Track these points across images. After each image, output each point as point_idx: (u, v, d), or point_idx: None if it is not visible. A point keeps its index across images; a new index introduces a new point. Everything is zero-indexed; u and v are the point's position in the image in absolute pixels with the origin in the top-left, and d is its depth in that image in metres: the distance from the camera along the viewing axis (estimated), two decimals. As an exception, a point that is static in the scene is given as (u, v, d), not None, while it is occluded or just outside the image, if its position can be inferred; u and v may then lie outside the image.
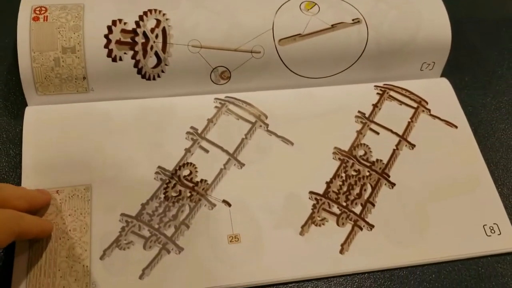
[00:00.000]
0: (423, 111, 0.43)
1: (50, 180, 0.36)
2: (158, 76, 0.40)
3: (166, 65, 0.40)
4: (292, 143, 0.40)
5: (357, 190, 0.39)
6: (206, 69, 0.40)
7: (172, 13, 0.40)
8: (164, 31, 0.39)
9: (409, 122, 0.42)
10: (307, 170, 0.39)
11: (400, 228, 0.37)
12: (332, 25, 0.42)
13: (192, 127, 0.40)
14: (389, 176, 0.39)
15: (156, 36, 0.39)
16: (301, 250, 0.35)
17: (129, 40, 0.39)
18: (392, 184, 0.39)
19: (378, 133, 0.42)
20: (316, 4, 0.42)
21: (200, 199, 0.37)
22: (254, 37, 0.40)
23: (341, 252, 0.36)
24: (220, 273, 0.34)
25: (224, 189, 0.37)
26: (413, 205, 0.38)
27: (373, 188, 0.39)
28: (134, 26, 0.39)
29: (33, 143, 0.37)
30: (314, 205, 0.37)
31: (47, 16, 0.38)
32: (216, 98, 0.42)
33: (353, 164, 0.40)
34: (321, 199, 0.38)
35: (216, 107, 0.41)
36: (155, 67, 0.40)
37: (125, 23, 0.39)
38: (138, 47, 0.39)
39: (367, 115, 0.42)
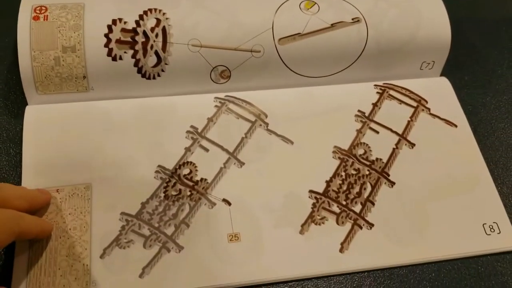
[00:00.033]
0: (423, 110, 0.43)
1: (50, 179, 0.36)
2: (158, 75, 0.40)
3: (166, 64, 0.40)
4: (292, 142, 0.40)
5: (357, 189, 0.39)
6: (206, 68, 0.41)
7: (172, 12, 0.40)
8: (164, 30, 0.39)
9: (408, 121, 0.42)
10: (307, 169, 0.39)
11: (400, 227, 0.37)
12: (331, 24, 0.42)
13: (192, 126, 0.40)
14: (388, 175, 0.39)
15: (156, 35, 0.39)
16: (301, 249, 0.36)
17: (129, 39, 0.39)
18: (392, 183, 0.39)
19: (378, 132, 0.42)
20: (315, 3, 0.42)
21: (200, 198, 0.37)
22: (254, 36, 0.40)
23: (341, 251, 0.36)
24: (220, 272, 0.34)
25: (224, 188, 0.37)
26: (413, 204, 0.38)
27: (373, 187, 0.39)
28: (134, 25, 0.39)
29: (33, 142, 0.37)
30: (314, 204, 0.37)
31: (47, 15, 0.39)
32: (216, 97, 0.42)
33: (353, 163, 0.40)
34: (321, 198, 0.38)
35: (216, 106, 0.41)
36: (155, 66, 0.40)
37: (125, 22, 0.39)
38: (138, 46, 0.39)
39: (367, 114, 0.42)
